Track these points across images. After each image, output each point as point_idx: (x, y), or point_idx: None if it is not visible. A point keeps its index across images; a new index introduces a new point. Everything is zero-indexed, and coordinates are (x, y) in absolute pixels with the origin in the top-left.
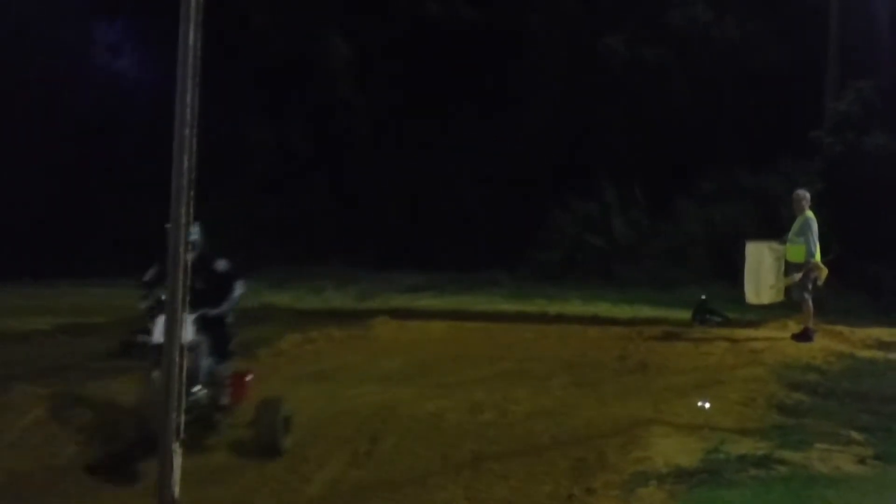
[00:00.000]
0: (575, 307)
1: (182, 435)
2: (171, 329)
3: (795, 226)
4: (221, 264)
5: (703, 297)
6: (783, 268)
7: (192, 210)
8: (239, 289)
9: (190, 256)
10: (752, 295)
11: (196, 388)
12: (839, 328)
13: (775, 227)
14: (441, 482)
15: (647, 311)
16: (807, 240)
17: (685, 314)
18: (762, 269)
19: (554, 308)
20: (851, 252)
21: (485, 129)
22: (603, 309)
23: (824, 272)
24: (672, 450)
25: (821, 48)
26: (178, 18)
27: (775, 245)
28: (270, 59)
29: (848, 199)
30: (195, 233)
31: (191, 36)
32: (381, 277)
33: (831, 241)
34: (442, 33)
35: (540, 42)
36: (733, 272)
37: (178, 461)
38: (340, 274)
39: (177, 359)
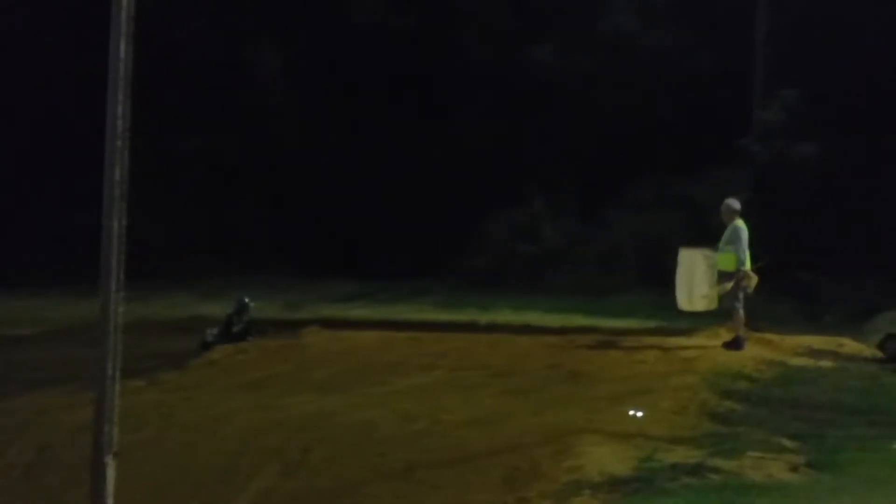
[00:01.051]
0: (506, 316)
1: (115, 448)
2: (104, 348)
3: (725, 234)
4: None
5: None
6: (717, 276)
7: (123, 221)
8: None
9: None
10: (684, 302)
11: None
12: (770, 336)
13: (705, 235)
14: (373, 492)
15: (578, 320)
16: (736, 248)
17: (616, 322)
18: (695, 277)
19: (485, 317)
20: (780, 260)
21: (414, 136)
22: (534, 317)
23: (754, 280)
24: (605, 458)
25: (748, 56)
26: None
27: (708, 252)
28: (200, 68)
29: (776, 206)
30: None
31: (122, 48)
32: (311, 286)
33: (760, 250)
34: (371, 42)
35: (469, 50)
36: (664, 280)
37: (111, 474)
38: (271, 283)
39: (110, 371)
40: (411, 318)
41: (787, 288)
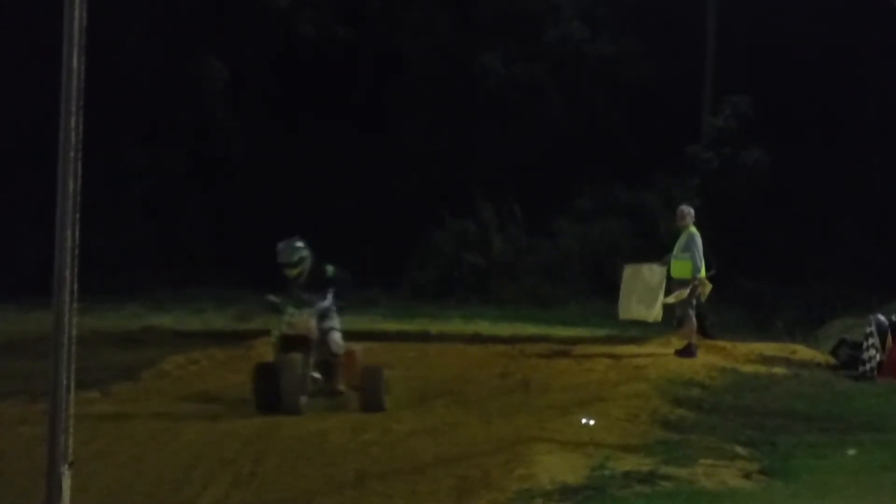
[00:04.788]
0: (456, 326)
1: (70, 458)
2: (58, 359)
3: (680, 241)
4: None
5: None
6: (664, 288)
7: (77, 234)
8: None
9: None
10: (623, 311)
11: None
12: (721, 343)
13: (654, 243)
14: (325, 502)
15: (528, 329)
16: (692, 255)
17: (566, 331)
18: (642, 290)
19: (435, 327)
20: (729, 267)
21: (361, 148)
22: (484, 327)
23: (708, 287)
24: (556, 467)
25: (697, 64)
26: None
27: (655, 267)
28: (146, 80)
29: (725, 213)
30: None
31: (74, 59)
32: (260, 298)
33: (711, 257)
34: (317, 54)
35: (415, 61)
36: (613, 288)
37: (66, 484)
38: (220, 295)
39: (64, 381)
40: (360, 328)
41: (735, 295)
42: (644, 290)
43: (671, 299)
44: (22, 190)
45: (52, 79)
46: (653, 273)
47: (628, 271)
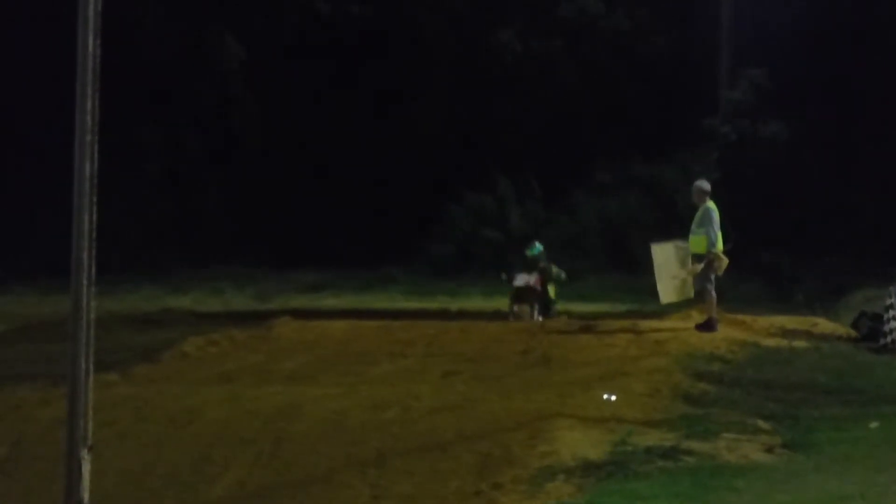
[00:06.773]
0: (476, 302)
1: (90, 441)
2: (77, 342)
3: (696, 217)
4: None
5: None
6: (689, 261)
7: (94, 217)
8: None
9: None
10: (664, 295)
11: None
12: (742, 317)
13: (671, 217)
14: (346, 480)
15: None
16: (707, 231)
17: (585, 306)
18: (671, 269)
19: (455, 304)
20: (748, 240)
21: (378, 125)
22: (504, 303)
23: (725, 262)
24: (578, 443)
25: (713, 37)
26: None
27: (680, 243)
28: (163, 59)
29: (743, 187)
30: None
31: (90, 42)
32: (279, 277)
33: (729, 231)
34: (333, 31)
35: (432, 37)
36: (630, 262)
37: (86, 467)
38: (239, 275)
39: (83, 365)
40: (380, 306)
41: (754, 269)
42: (677, 269)
43: (684, 273)
44: (39, 173)
45: (69, 61)
46: (680, 250)
47: (656, 251)
